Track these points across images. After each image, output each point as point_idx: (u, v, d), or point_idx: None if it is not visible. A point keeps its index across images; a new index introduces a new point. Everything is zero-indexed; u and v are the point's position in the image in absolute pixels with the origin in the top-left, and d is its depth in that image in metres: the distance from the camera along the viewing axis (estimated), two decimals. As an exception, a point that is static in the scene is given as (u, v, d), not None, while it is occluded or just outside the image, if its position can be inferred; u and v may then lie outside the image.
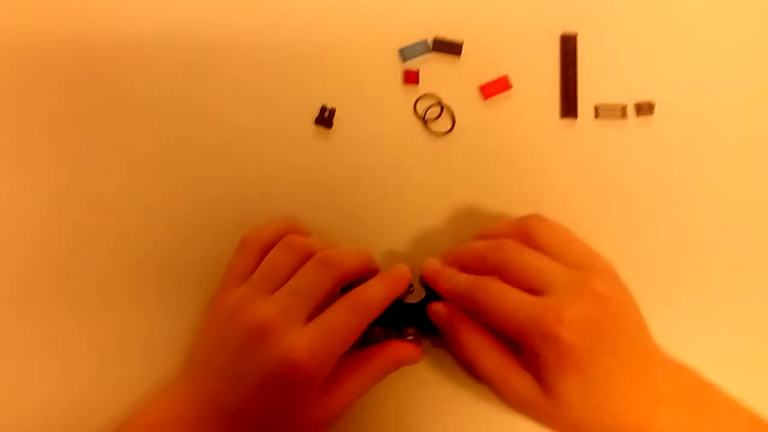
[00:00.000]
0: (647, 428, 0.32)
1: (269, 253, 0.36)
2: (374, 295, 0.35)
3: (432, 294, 0.38)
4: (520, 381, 0.34)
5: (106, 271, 0.41)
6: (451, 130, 0.45)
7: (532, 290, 0.33)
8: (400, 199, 0.43)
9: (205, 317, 0.37)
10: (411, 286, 0.38)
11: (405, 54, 0.46)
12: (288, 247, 0.36)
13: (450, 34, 0.46)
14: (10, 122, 0.44)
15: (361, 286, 0.35)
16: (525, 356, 0.35)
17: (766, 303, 0.42)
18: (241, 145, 0.44)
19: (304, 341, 0.31)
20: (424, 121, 0.45)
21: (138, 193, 0.43)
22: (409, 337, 0.37)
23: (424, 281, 0.38)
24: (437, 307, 0.37)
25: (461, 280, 0.35)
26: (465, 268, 0.36)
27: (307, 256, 0.35)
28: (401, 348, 0.37)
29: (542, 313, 0.32)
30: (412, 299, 0.38)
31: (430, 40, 0.46)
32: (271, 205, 0.43)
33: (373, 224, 0.43)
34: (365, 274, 0.37)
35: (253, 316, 0.32)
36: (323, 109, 0.44)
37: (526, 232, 0.36)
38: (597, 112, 0.45)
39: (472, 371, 0.37)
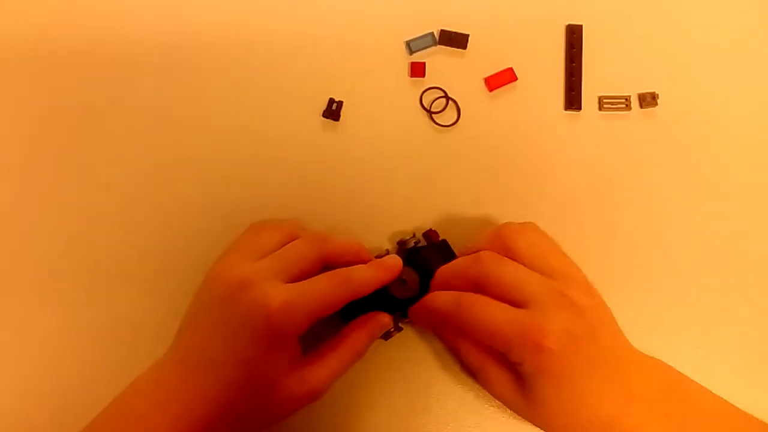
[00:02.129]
0: (620, 425, 0.33)
1: (263, 233, 0.38)
2: (359, 272, 0.36)
3: (426, 284, 0.39)
4: (499, 376, 0.36)
5: (111, 265, 0.43)
6: (456, 122, 0.45)
7: (513, 302, 0.34)
8: (406, 190, 0.44)
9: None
10: (404, 280, 0.39)
11: (411, 46, 0.46)
12: (280, 227, 0.38)
13: (456, 27, 0.46)
14: (13, 121, 0.45)
15: (350, 266, 0.36)
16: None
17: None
18: (249, 137, 0.45)
19: (280, 293, 0.33)
20: (430, 113, 0.45)
21: (147, 184, 0.44)
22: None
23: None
24: (417, 309, 0.38)
25: (446, 299, 0.36)
26: (448, 286, 0.37)
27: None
28: (372, 317, 0.38)
29: (527, 327, 0.33)
30: (405, 293, 0.39)
31: (436, 32, 0.47)
32: (279, 197, 0.44)
33: (380, 215, 0.44)
34: (354, 259, 0.38)
35: (235, 273, 0.34)
36: (331, 101, 0.45)
37: (502, 242, 0.37)
38: (601, 103, 0.46)
39: (458, 360, 0.39)
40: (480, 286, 0.35)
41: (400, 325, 0.40)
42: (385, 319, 0.38)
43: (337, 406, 0.40)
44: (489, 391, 0.38)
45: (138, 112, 0.45)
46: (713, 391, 0.36)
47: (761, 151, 0.46)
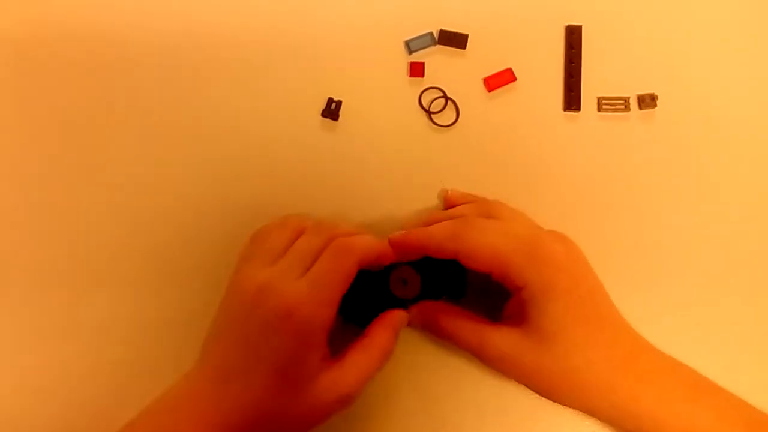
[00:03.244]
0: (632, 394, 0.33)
1: (270, 236, 0.38)
2: (357, 239, 0.35)
3: (427, 284, 0.39)
4: (497, 336, 0.35)
5: (115, 261, 0.43)
6: (455, 122, 0.45)
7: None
8: (404, 190, 0.44)
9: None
10: (405, 280, 0.39)
11: (411, 46, 0.46)
12: (284, 225, 0.38)
13: (455, 27, 0.46)
14: (13, 119, 0.45)
15: (350, 236, 0.36)
16: (508, 309, 0.36)
17: None
18: (248, 137, 0.45)
19: (296, 288, 0.33)
20: (429, 113, 0.45)
21: (146, 183, 0.44)
22: None
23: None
24: (399, 314, 0.38)
25: (441, 226, 0.36)
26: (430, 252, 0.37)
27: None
28: (391, 315, 0.37)
29: (532, 242, 0.33)
30: (407, 293, 0.39)
31: (435, 32, 0.46)
32: (277, 196, 0.44)
33: (378, 215, 0.44)
34: (378, 257, 0.37)
35: (253, 281, 0.34)
36: (330, 101, 0.45)
37: (485, 210, 0.39)
38: (600, 104, 0.46)
39: (458, 346, 0.38)
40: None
41: None
42: (403, 314, 0.38)
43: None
44: (491, 361, 0.35)
45: (136, 112, 0.45)
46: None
47: (761, 151, 0.46)
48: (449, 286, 0.40)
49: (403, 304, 0.39)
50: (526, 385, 0.35)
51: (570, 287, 0.33)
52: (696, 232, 0.44)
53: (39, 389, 0.40)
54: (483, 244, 0.34)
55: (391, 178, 0.44)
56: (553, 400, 0.34)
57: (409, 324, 0.38)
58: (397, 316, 0.37)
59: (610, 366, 0.33)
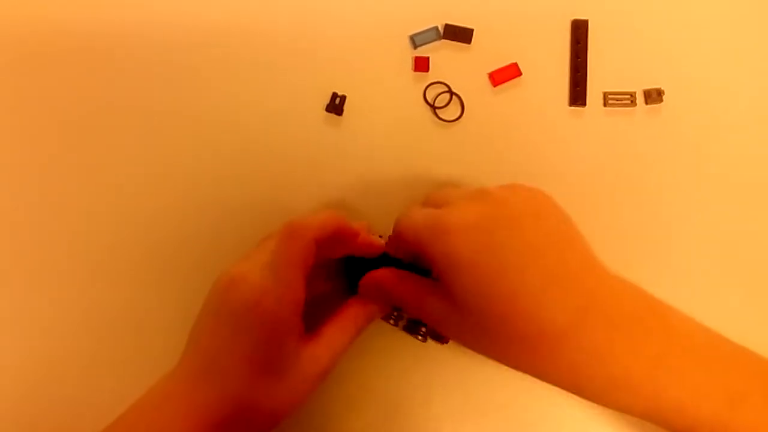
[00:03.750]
0: (571, 336, 0.29)
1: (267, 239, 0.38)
2: (309, 217, 0.34)
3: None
4: (436, 300, 0.33)
5: (115, 258, 0.43)
6: (460, 117, 0.45)
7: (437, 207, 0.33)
8: (409, 185, 0.44)
9: None
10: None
11: (415, 41, 0.46)
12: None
13: (460, 21, 0.46)
14: (14, 118, 0.45)
15: (300, 218, 0.35)
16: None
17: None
18: (252, 132, 0.45)
19: (260, 277, 0.33)
20: (434, 108, 0.45)
21: (148, 178, 0.44)
22: (419, 337, 0.41)
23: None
24: (364, 280, 0.36)
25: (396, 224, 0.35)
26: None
27: None
28: (372, 276, 0.36)
29: (436, 216, 0.31)
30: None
31: (440, 26, 0.46)
32: (281, 192, 0.44)
33: (383, 210, 0.44)
34: (338, 231, 0.35)
35: (226, 275, 0.34)
36: (334, 96, 0.45)
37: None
38: (606, 99, 0.45)
39: (405, 311, 0.37)
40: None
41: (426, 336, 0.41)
42: (380, 281, 0.36)
43: (336, 402, 0.40)
44: (433, 322, 0.34)
45: (138, 108, 0.45)
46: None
47: (767, 147, 0.45)
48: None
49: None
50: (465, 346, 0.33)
51: (474, 261, 0.29)
52: (703, 227, 0.44)
53: (33, 384, 0.40)
54: (406, 224, 0.33)
55: (395, 173, 0.44)
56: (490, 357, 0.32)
57: (363, 292, 0.37)
58: (374, 286, 0.36)
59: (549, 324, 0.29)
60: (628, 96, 0.45)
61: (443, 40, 0.46)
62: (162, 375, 0.34)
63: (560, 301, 0.29)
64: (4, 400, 0.40)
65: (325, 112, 0.45)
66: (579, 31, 0.46)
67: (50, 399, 0.40)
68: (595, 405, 0.30)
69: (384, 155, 0.44)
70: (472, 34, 0.46)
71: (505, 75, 0.46)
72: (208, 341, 0.34)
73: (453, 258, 0.30)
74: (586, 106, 0.45)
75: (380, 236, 0.40)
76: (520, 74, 0.46)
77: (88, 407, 0.40)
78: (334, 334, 0.35)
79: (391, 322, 0.42)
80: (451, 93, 0.45)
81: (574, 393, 0.30)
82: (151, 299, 0.42)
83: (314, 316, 0.35)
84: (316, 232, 0.34)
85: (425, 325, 0.42)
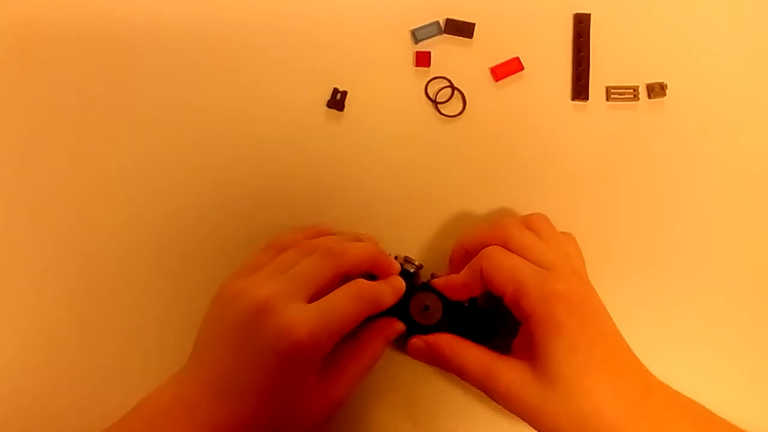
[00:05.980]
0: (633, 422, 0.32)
1: (278, 249, 0.38)
2: (378, 288, 0.36)
3: (449, 312, 0.38)
4: (508, 369, 0.34)
5: (116, 259, 0.43)
6: (462, 112, 0.45)
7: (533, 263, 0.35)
8: (411, 181, 0.44)
9: (210, 304, 0.37)
10: (427, 306, 0.38)
11: (417, 35, 0.46)
12: (301, 246, 0.37)
13: (462, 16, 0.46)
14: (14, 116, 0.45)
15: (371, 282, 0.36)
16: (519, 339, 0.35)
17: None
18: (253, 128, 0.44)
19: (303, 316, 0.32)
20: (436, 103, 0.45)
21: (149, 173, 0.44)
22: None
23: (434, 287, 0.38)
24: (415, 342, 0.37)
25: (469, 267, 0.36)
26: (470, 250, 0.37)
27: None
28: (386, 323, 0.37)
29: (545, 276, 0.33)
30: (428, 320, 0.38)
31: (442, 21, 0.46)
32: (282, 188, 0.44)
33: (384, 206, 0.43)
34: (372, 266, 0.37)
35: (255, 295, 0.33)
36: (335, 91, 0.45)
37: (528, 223, 0.38)
38: (609, 93, 0.45)
39: (464, 379, 0.37)
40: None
41: None
42: (397, 325, 0.38)
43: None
44: (499, 395, 0.34)
45: (138, 103, 0.45)
46: (712, 390, 0.36)
47: (771, 142, 0.45)
48: (477, 328, 0.38)
49: (422, 330, 0.38)
50: (530, 424, 0.34)
51: (578, 327, 0.32)
52: (705, 221, 0.44)
53: (33, 384, 0.40)
54: (504, 264, 0.35)
55: (396, 169, 0.44)
56: None
57: (413, 355, 0.38)
58: (392, 326, 0.38)
59: (620, 412, 0.32)
60: (631, 90, 0.45)
61: (445, 35, 0.46)
62: (163, 376, 0.34)
63: (615, 394, 0.32)
64: (4, 400, 0.40)
65: (327, 108, 0.45)
66: (581, 25, 0.46)
67: (50, 399, 0.40)
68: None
69: (385, 150, 0.44)
70: (473, 29, 0.46)
71: (507, 69, 0.45)
72: (227, 358, 0.33)
73: (560, 322, 0.32)
74: (589, 100, 0.45)
75: (395, 257, 0.39)
76: (523, 69, 0.45)
77: (89, 407, 0.40)
78: (352, 371, 0.35)
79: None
80: (453, 88, 0.45)
81: None
82: (151, 299, 0.42)
83: None
84: (382, 306, 0.35)
85: None
